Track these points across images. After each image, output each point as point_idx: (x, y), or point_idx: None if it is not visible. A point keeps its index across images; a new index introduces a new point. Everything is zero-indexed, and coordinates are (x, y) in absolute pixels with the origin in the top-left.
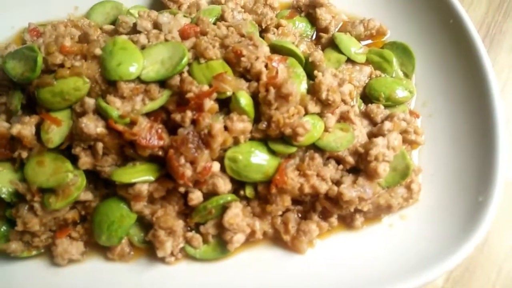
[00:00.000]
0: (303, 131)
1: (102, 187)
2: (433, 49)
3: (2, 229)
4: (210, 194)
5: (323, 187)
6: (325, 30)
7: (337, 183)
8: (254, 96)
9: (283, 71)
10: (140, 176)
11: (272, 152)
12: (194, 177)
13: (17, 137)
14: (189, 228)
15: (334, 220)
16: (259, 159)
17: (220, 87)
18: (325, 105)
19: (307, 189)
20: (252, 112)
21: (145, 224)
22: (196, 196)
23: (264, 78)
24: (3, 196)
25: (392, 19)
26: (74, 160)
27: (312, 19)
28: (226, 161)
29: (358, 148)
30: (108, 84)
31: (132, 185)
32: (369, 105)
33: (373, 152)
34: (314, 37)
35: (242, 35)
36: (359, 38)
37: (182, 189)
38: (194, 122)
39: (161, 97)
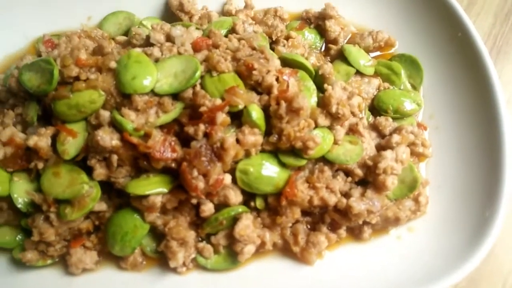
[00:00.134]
0: (314, 144)
1: (115, 197)
2: (440, 61)
3: (17, 238)
4: (221, 205)
5: (332, 200)
6: (334, 41)
7: (346, 195)
8: (265, 109)
9: (294, 85)
10: (154, 188)
11: (282, 165)
12: (207, 189)
13: (34, 148)
14: (200, 239)
15: (342, 231)
16: (269, 172)
17: (232, 101)
18: (335, 118)
19: (316, 201)
20: (263, 125)
21: (157, 234)
22: (208, 208)
23: (275, 91)
24: (19, 206)
25: (399, 31)
26: (88, 170)
27: (321, 31)
28: (238, 174)
29: (366, 161)
30: (123, 97)
31: (146, 197)
32: (378, 117)
33: (382, 165)
34: (323, 48)
35: (254, 48)
36: (367, 50)
37: (194, 201)
38: (206, 135)
39: (174, 110)
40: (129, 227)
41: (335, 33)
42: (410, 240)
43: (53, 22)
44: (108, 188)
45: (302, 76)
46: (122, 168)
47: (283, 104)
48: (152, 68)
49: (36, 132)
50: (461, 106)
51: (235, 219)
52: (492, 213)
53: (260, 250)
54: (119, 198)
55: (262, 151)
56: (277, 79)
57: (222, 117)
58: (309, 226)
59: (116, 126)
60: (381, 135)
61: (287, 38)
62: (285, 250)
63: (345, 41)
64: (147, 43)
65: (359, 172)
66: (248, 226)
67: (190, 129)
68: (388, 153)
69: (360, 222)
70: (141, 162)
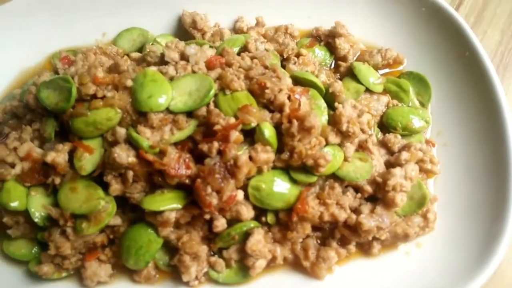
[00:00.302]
0: (325, 162)
1: (130, 212)
2: (447, 79)
3: (33, 251)
4: (233, 220)
5: (342, 216)
6: (344, 58)
7: (355, 211)
8: (277, 126)
9: (305, 104)
10: (169, 204)
11: (293, 181)
12: (220, 206)
13: (51, 164)
14: (212, 253)
15: (352, 247)
16: (281, 188)
17: (245, 119)
18: (345, 136)
19: (326, 217)
20: (275, 143)
21: (170, 248)
22: (221, 223)
23: (287, 109)
24: (36, 220)
25: (408, 49)
26: (103, 185)
27: (331, 48)
28: (250, 190)
29: (376, 177)
30: (139, 115)
31: (160, 212)
32: (387, 134)
33: (391, 183)
34: (332, 65)
35: (266, 67)
36: (376, 67)
37: (207, 216)
38: (220, 152)
39: (189, 127)
40: (143, 242)
41: (344, 50)
42: (419, 256)
43: (68, 37)
44: (123, 203)
45: (313, 94)
46: (137, 183)
47: (295, 123)
48: (167, 86)
49: (53, 148)
50: (469, 123)
51: (246, 234)
52: (500, 230)
53: (271, 264)
54: (133, 213)
55: (274, 167)
56: (288, 97)
57: (235, 135)
58: (319, 241)
59: (132, 143)
60: (390, 151)
61: (298, 55)
62: (296, 264)
63: (354, 58)
64: (162, 60)
65: (368, 188)
66: (259, 241)
67: (204, 147)
68: (397, 170)
69: (370, 238)
70: (155, 178)
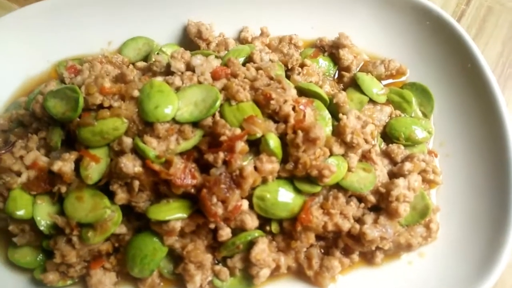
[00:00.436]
0: (329, 173)
1: (135, 220)
2: (449, 89)
3: (38, 259)
4: (238, 229)
5: (346, 225)
6: (347, 69)
7: (359, 220)
8: (281, 137)
9: (310, 115)
10: (174, 214)
11: (298, 191)
12: (225, 215)
13: (58, 173)
14: (216, 261)
15: (355, 256)
16: (285, 198)
17: (251, 130)
18: (349, 147)
19: (330, 227)
20: (280, 154)
21: (174, 256)
22: (225, 233)
23: (292, 120)
24: (42, 228)
25: (410, 60)
26: (109, 194)
27: (335, 58)
28: (255, 200)
29: (379, 188)
30: (145, 124)
31: (166, 222)
32: (390, 145)
33: (395, 193)
34: (336, 75)
35: (271, 78)
36: (379, 78)
37: (212, 225)
38: (225, 162)
39: (194, 137)
40: (148, 250)
41: (348, 61)
42: (421, 266)
43: (74, 46)
44: (127, 211)
45: (318, 105)
46: (143, 193)
47: (300, 134)
48: (173, 97)
49: (59, 157)
50: (471, 134)
51: (251, 243)
52: (501, 240)
53: (275, 273)
54: (138, 221)
55: (278, 177)
56: (293, 108)
57: (241, 145)
58: (322, 250)
59: (138, 152)
60: (393, 162)
61: (302, 66)
62: (299, 273)
63: (358, 68)
64: (168, 70)
65: (372, 198)
66: (264, 250)
67: (210, 157)
68: (400, 181)
69: (373, 248)
70: (161, 187)
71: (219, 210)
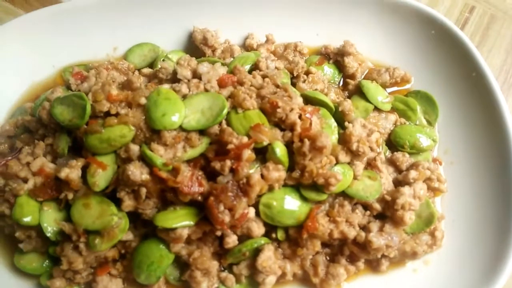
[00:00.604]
0: (335, 181)
1: (141, 227)
2: (454, 97)
3: (44, 265)
4: (244, 236)
5: (351, 233)
6: (352, 76)
7: (364, 228)
8: (288, 145)
9: (316, 123)
10: (181, 221)
11: (304, 198)
12: (232, 223)
13: (65, 180)
14: (222, 268)
15: (361, 264)
16: (291, 205)
17: (258, 138)
18: (355, 155)
19: (336, 235)
20: (286, 162)
21: (180, 263)
22: (232, 240)
23: (298, 129)
24: (48, 235)
25: (414, 68)
26: (115, 200)
27: (340, 66)
28: (261, 207)
29: (384, 196)
30: (152, 132)
31: (173, 229)
32: (395, 153)
33: (400, 201)
34: (341, 83)
35: (277, 86)
36: (384, 86)
37: (218, 233)
38: (232, 170)
39: (201, 145)
40: (155, 257)
41: (353, 69)
42: (426, 273)
43: (79, 52)
44: (134, 218)
45: (324, 113)
46: (150, 200)
47: (307, 142)
48: (180, 104)
49: (66, 163)
50: (475, 142)
51: (257, 250)
52: (506, 248)
53: (281, 280)
54: (144, 228)
55: (284, 185)
56: (299, 116)
57: (248, 153)
58: (328, 258)
59: (145, 160)
60: (398, 170)
61: (307, 73)
62: (305, 280)
63: (362, 76)
64: (174, 77)
65: (377, 206)
66: (270, 258)
67: (217, 165)
68: (406, 189)
69: (379, 255)
70: (168, 195)
71: (226, 218)
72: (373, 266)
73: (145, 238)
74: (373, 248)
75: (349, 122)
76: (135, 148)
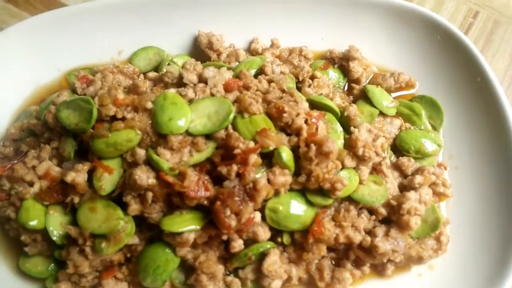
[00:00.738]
0: (342, 186)
1: (146, 231)
2: (458, 102)
3: (49, 268)
4: (249, 240)
5: (357, 238)
6: (357, 81)
7: (370, 232)
8: (294, 149)
9: (322, 128)
10: (188, 225)
11: (309, 203)
12: (238, 227)
13: (71, 184)
14: (228, 272)
15: (366, 268)
16: (297, 210)
17: (264, 143)
18: (361, 160)
19: (342, 239)
20: (293, 166)
21: (185, 267)
22: (238, 244)
23: (304, 134)
24: (54, 238)
25: (419, 72)
26: (122, 205)
27: (344, 70)
28: (267, 212)
29: (390, 200)
30: (158, 136)
31: (179, 233)
32: (400, 158)
33: (406, 206)
34: (345, 87)
35: (283, 91)
36: (389, 91)
37: (224, 237)
38: (238, 174)
39: (207, 149)
40: (161, 261)
41: (358, 73)
42: (431, 278)
43: (84, 55)
44: (139, 222)
45: (330, 118)
46: (156, 204)
47: (313, 147)
48: (187, 109)
49: (72, 167)
50: (480, 146)
51: (262, 254)
52: (511, 253)
53: (286, 284)
54: (150, 231)
55: (290, 189)
56: (305, 121)
57: (254, 158)
58: (333, 262)
59: (151, 164)
60: (403, 174)
61: (312, 77)
62: (310, 285)
63: (367, 81)
64: (179, 81)
65: (383, 211)
66: (276, 262)
67: (223, 169)
68: (412, 194)
69: (385, 260)
70: (174, 199)
71: (233, 223)
72: (379, 270)
73: (150, 242)
74: (379, 253)
75: (354, 127)
76: (141, 152)
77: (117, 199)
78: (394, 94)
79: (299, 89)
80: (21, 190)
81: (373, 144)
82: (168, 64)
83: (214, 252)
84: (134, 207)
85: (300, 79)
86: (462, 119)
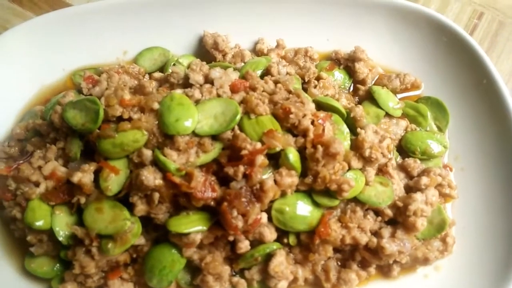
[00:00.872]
0: (348, 187)
1: (153, 231)
2: (464, 103)
3: (55, 268)
4: (256, 241)
5: (363, 239)
6: (362, 82)
7: (375, 233)
8: (300, 150)
9: (329, 129)
10: (194, 226)
11: (316, 204)
12: (245, 228)
13: (78, 184)
14: (234, 273)
15: (372, 269)
16: (303, 211)
17: (271, 144)
18: (367, 161)
19: (348, 240)
20: (299, 167)
21: (191, 267)
22: (244, 245)
23: (311, 135)
24: (60, 239)
25: (425, 74)
26: (128, 205)
27: (350, 71)
28: (273, 213)
29: (396, 202)
30: (165, 137)
31: (186, 234)
32: (406, 159)
33: (412, 208)
34: (351, 88)
35: (290, 92)
36: (394, 92)
37: (231, 238)
38: (245, 175)
39: (214, 150)
40: (167, 261)
41: (363, 74)
42: (437, 279)
43: (90, 55)
44: (145, 222)
45: (336, 119)
46: (162, 205)
47: (320, 148)
48: (193, 110)
49: (78, 168)
50: (486, 148)
51: (269, 255)
52: None
53: (292, 285)
54: (156, 232)
55: (297, 190)
56: (312, 122)
57: (261, 159)
58: (339, 263)
59: (158, 165)
60: (409, 176)
61: (318, 78)
62: (316, 285)
63: (373, 82)
64: (185, 82)
65: (389, 212)
66: (282, 263)
67: (230, 170)
68: (418, 196)
69: (391, 261)
70: (181, 199)
71: (240, 224)
72: (384, 271)
73: (156, 242)
74: (385, 254)
75: (361, 128)
76: (147, 153)
77: (123, 199)
78: (399, 95)
79: (305, 90)
80: (27, 191)
81: (379, 145)
82: (174, 64)
83: (220, 252)
84: (141, 207)
85: (306, 80)
86: (467, 120)
